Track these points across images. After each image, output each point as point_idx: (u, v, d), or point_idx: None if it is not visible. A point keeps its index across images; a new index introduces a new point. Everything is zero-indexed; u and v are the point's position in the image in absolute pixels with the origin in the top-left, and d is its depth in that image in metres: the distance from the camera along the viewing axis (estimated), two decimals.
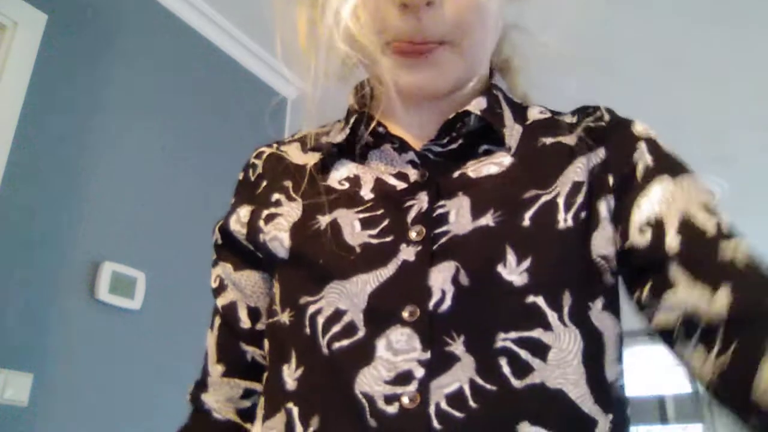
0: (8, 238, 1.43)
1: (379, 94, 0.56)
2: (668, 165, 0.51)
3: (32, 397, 1.39)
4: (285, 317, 0.51)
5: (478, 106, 0.53)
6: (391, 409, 0.43)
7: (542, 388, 0.43)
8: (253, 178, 0.62)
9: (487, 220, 0.47)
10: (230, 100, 2.15)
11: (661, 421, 4.13)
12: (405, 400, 0.43)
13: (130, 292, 1.64)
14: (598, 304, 0.47)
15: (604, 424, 0.44)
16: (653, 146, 0.52)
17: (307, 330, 0.48)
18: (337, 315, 0.47)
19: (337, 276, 0.48)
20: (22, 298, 1.43)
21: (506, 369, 0.43)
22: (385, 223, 0.50)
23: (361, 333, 0.46)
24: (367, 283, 0.47)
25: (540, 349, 0.44)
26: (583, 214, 0.48)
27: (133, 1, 1.88)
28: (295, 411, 0.47)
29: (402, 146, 0.54)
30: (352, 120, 0.55)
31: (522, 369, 0.43)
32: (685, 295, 0.44)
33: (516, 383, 0.43)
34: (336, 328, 0.47)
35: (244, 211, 0.58)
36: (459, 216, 0.48)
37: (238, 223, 0.58)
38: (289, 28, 0.59)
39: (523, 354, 0.44)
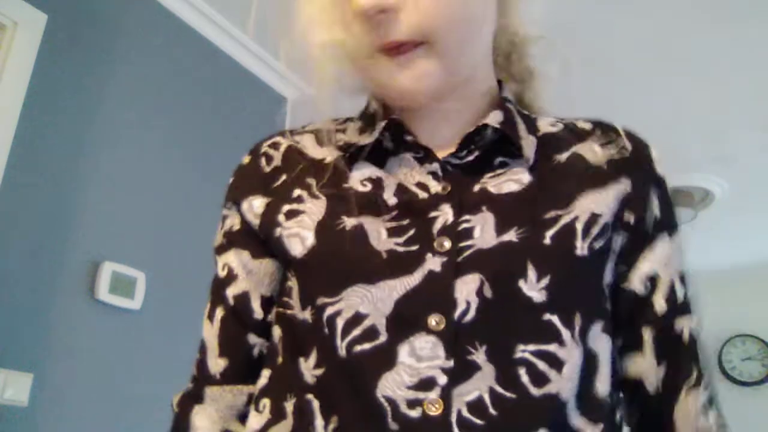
0: (8, 238, 1.43)
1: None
2: (669, 220, 0.58)
3: (32, 397, 1.39)
4: (307, 315, 0.52)
5: (495, 119, 0.54)
6: (414, 413, 0.44)
7: (557, 398, 0.46)
8: (268, 169, 0.60)
9: (511, 236, 0.49)
10: (230, 100, 2.15)
11: None
12: (428, 405, 0.44)
13: (130, 292, 1.64)
14: (598, 326, 0.51)
15: None
16: (663, 192, 0.59)
17: (326, 330, 0.49)
18: (358, 318, 0.48)
19: (362, 280, 0.49)
20: (22, 298, 1.43)
21: (525, 378, 0.45)
22: (412, 232, 0.51)
23: (383, 338, 0.47)
24: (393, 289, 0.48)
25: (556, 362, 0.46)
26: (598, 245, 0.51)
27: (133, 1, 1.88)
28: (316, 404, 0.48)
29: (426, 156, 0.55)
30: (381, 125, 0.56)
31: (540, 379, 0.46)
32: (644, 366, 0.54)
33: (534, 392, 0.45)
34: (356, 332, 0.48)
35: (258, 202, 0.58)
36: (483, 231, 0.50)
37: (250, 213, 0.58)
38: (292, 31, 0.61)
39: (541, 365, 0.46)
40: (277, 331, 0.55)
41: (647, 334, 0.54)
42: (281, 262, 0.56)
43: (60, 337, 1.48)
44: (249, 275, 0.57)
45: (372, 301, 0.48)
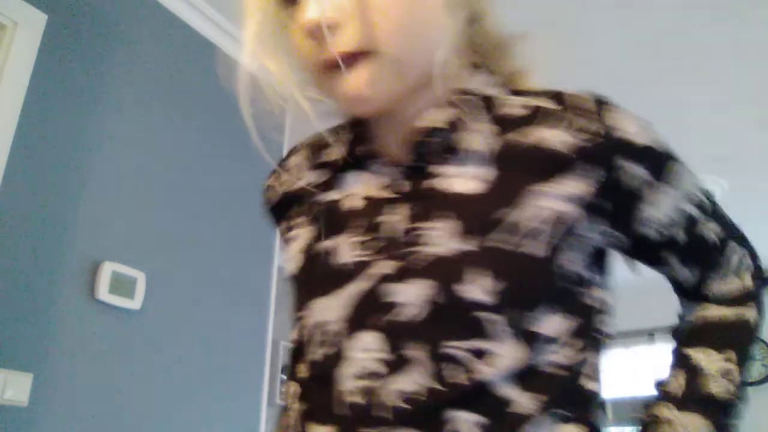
0: (8, 238, 1.43)
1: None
2: (655, 168, 0.57)
3: (32, 397, 1.39)
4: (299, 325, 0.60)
5: (435, 118, 0.57)
6: (362, 401, 0.51)
7: (487, 384, 0.50)
8: (278, 195, 0.69)
9: (462, 242, 0.51)
10: (230, 100, 2.14)
11: None
12: (373, 393, 0.51)
13: (130, 292, 1.64)
14: (556, 314, 0.53)
15: (530, 403, 0.51)
16: (636, 150, 0.56)
17: (296, 338, 0.60)
18: (320, 325, 0.55)
19: (320, 293, 0.56)
20: (21, 298, 1.43)
21: (452, 371, 0.50)
22: (369, 238, 0.56)
23: (341, 338, 0.54)
24: (350, 296, 0.54)
25: (491, 357, 0.50)
26: (555, 239, 0.52)
27: (133, 1, 1.88)
28: (295, 416, 0.57)
29: (383, 163, 0.59)
30: (346, 139, 0.62)
31: (467, 371, 0.50)
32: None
33: (461, 381, 0.50)
34: (319, 336, 0.55)
35: (284, 228, 0.67)
36: (436, 236, 0.53)
37: (281, 236, 0.69)
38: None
39: (470, 359, 0.50)
40: None
41: (666, 256, 0.64)
42: None
43: (60, 337, 1.48)
44: None
45: (328, 309, 0.55)
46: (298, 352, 0.61)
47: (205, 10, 2.04)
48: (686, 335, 0.65)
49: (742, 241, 0.71)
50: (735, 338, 0.63)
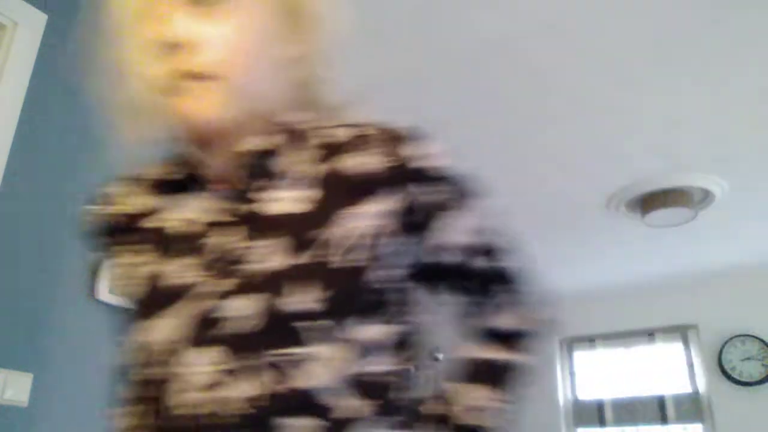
0: (8, 238, 1.43)
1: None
2: (445, 196, 0.63)
3: (32, 397, 1.39)
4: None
5: (257, 143, 0.62)
6: (191, 412, 0.53)
7: (308, 391, 0.53)
8: (105, 227, 0.69)
9: (283, 258, 0.56)
10: None
11: (661, 421, 4.13)
12: (213, 404, 0.53)
13: None
14: (372, 320, 0.58)
15: (353, 408, 0.54)
16: (429, 178, 0.62)
17: (140, 359, 0.58)
18: (159, 344, 0.57)
19: (161, 313, 0.58)
20: (22, 298, 1.43)
21: (277, 378, 0.53)
22: (201, 260, 0.59)
23: (176, 356, 0.55)
24: (185, 315, 0.57)
25: (304, 362, 0.54)
26: (364, 254, 0.58)
27: None
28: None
29: (214, 188, 0.62)
30: (179, 165, 0.65)
31: (290, 378, 0.53)
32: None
33: (285, 388, 0.53)
34: (159, 357, 0.56)
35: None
36: (260, 254, 0.57)
37: None
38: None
39: (291, 366, 0.53)
40: None
41: (452, 284, 0.69)
42: None
43: (60, 337, 1.48)
44: None
45: (168, 328, 0.57)
46: (129, 372, 0.60)
47: None
48: (464, 372, 0.72)
49: (524, 281, 0.74)
50: (503, 378, 0.71)
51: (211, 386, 0.53)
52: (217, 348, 0.54)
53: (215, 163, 0.63)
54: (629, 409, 4.23)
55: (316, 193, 0.60)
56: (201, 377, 0.54)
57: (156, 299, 0.59)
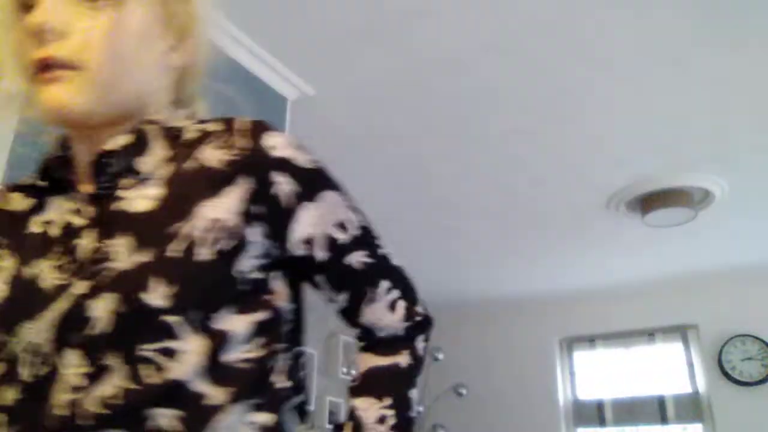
0: None
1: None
2: (307, 189, 0.65)
3: None
4: None
5: (116, 142, 0.64)
6: (68, 413, 0.54)
7: (177, 381, 0.56)
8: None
9: (140, 253, 0.57)
10: (230, 100, 2.14)
11: (661, 421, 4.13)
12: (77, 405, 0.54)
13: None
14: (230, 311, 0.60)
15: (221, 395, 0.57)
16: (290, 169, 0.64)
17: (6, 363, 0.58)
18: (32, 347, 0.57)
19: (27, 317, 0.58)
20: None
21: (146, 371, 0.55)
22: (64, 262, 0.60)
23: (48, 358, 0.56)
24: (53, 318, 0.57)
25: (174, 354, 0.56)
26: (225, 245, 0.60)
27: None
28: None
29: (76, 189, 0.64)
30: (45, 165, 0.67)
31: (159, 370, 0.55)
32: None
33: (156, 380, 0.55)
34: (31, 359, 0.57)
35: None
36: (119, 252, 0.58)
37: None
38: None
39: (160, 359, 0.56)
40: None
41: (319, 279, 0.69)
42: None
43: None
44: None
45: (39, 331, 0.57)
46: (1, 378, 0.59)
47: None
48: (355, 386, 0.71)
49: (398, 275, 0.74)
50: (391, 385, 0.70)
51: (84, 386, 0.55)
52: (86, 348, 0.56)
53: (80, 165, 0.66)
54: (629, 409, 4.23)
55: (171, 190, 0.61)
56: (75, 378, 0.55)
57: (31, 302, 0.59)
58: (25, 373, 0.57)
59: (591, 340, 4.52)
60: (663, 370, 4.24)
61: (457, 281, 4.33)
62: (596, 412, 4.33)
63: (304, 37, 2.14)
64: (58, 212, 0.64)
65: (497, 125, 2.59)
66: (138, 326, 0.56)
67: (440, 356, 4.48)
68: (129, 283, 0.56)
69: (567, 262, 3.94)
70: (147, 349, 0.55)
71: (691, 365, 4.18)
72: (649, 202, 3.10)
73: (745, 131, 2.59)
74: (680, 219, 3.17)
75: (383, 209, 3.14)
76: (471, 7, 1.97)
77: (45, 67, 0.59)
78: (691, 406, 4.08)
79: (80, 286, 0.58)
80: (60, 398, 0.55)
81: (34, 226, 0.65)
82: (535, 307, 4.65)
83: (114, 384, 0.55)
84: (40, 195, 0.67)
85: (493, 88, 2.36)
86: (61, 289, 0.58)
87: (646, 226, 3.27)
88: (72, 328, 0.56)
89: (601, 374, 4.41)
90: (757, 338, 3.94)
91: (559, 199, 3.20)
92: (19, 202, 0.69)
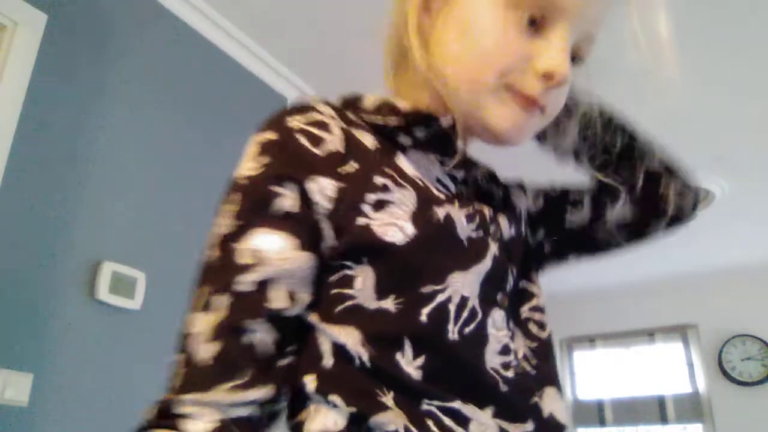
0: (8, 238, 1.43)
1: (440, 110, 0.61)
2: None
3: (32, 397, 1.39)
4: (388, 304, 0.52)
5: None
6: (510, 374, 0.54)
7: (551, 337, 0.63)
8: (320, 151, 0.54)
9: (513, 232, 0.64)
10: (230, 100, 2.15)
11: (661, 421, 4.13)
12: (514, 364, 0.56)
13: (130, 292, 1.64)
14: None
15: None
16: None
17: (424, 318, 0.51)
18: (464, 302, 0.53)
19: (458, 267, 0.54)
20: (22, 298, 1.43)
21: (535, 329, 0.61)
22: (478, 220, 0.58)
23: (479, 317, 0.54)
24: (478, 273, 0.55)
25: (544, 312, 0.64)
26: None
27: (132, 0, 1.88)
28: (436, 408, 0.50)
29: (463, 162, 0.62)
30: (439, 124, 0.60)
31: (541, 326, 0.62)
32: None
33: (543, 335, 0.61)
34: (465, 314, 0.53)
35: (329, 185, 0.53)
36: (503, 225, 0.62)
37: (320, 194, 0.52)
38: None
39: (538, 316, 0.63)
40: (333, 327, 0.53)
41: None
42: (350, 253, 0.53)
43: (60, 337, 1.48)
44: (284, 262, 0.51)
45: (468, 285, 0.54)
46: (423, 332, 0.52)
47: (205, 11, 2.04)
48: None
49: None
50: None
51: (513, 348, 0.57)
52: (505, 311, 0.58)
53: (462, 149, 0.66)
54: (629, 409, 4.23)
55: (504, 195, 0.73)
56: (505, 339, 0.56)
57: (458, 251, 0.55)
58: (453, 329, 0.53)
59: (591, 340, 4.52)
60: (663, 370, 4.24)
61: None
62: (596, 412, 4.32)
63: (304, 37, 2.14)
64: (434, 169, 0.61)
65: None
66: (522, 292, 0.64)
67: None
68: (518, 252, 0.64)
69: None
70: (529, 308, 0.62)
71: (691, 365, 4.18)
72: None
73: (745, 131, 2.59)
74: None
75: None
76: None
77: (530, 102, 0.56)
78: (691, 406, 4.08)
79: (494, 247, 0.59)
80: (498, 360, 0.55)
81: (411, 171, 0.59)
82: None
83: (521, 346, 0.59)
84: (387, 141, 0.61)
85: None
86: (482, 244, 0.58)
87: None
88: (496, 289, 0.58)
89: (601, 374, 4.41)
90: (757, 338, 3.93)
91: None
92: (364, 135, 0.60)
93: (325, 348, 0.53)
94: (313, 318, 0.53)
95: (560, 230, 0.72)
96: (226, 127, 2.07)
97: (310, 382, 0.52)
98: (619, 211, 0.69)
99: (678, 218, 0.74)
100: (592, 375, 4.45)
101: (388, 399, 0.50)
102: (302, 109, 0.57)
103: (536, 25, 0.56)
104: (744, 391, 3.90)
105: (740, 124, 2.54)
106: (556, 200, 0.72)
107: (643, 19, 0.64)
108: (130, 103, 1.79)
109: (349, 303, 0.52)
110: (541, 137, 0.70)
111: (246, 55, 2.20)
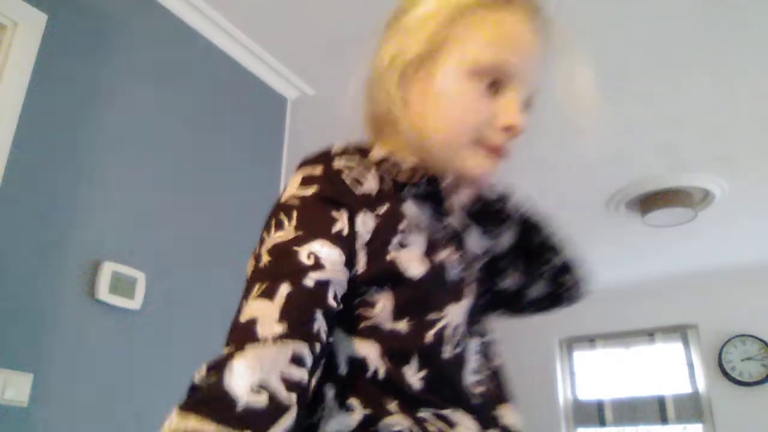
0: (8, 238, 1.43)
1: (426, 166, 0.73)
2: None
3: (32, 397, 1.39)
4: (402, 325, 0.63)
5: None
6: (479, 390, 0.66)
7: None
8: (361, 190, 0.65)
9: (480, 275, 0.76)
10: (230, 100, 2.15)
11: (661, 421, 4.13)
12: (482, 383, 0.67)
13: (130, 292, 1.64)
14: None
15: None
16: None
17: (430, 339, 0.63)
18: (457, 329, 0.65)
19: (452, 300, 0.66)
20: (22, 298, 1.43)
21: (492, 357, 0.72)
22: (464, 263, 0.70)
23: (463, 342, 0.66)
24: (465, 307, 0.67)
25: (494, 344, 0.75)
26: None
27: (133, 1, 1.88)
28: (431, 414, 0.61)
29: (447, 208, 0.74)
30: (437, 182, 0.72)
31: (496, 355, 0.73)
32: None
33: (498, 362, 0.72)
34: (456, 339, 0.65)
35: (370, 220, 0.64)
36: (476, 267, 0.75)
37: (364, 227, 0.63)
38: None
39: (492, 347, 0.73)
40: (354, 341, 0.62)
41: None
42: (375, 280, 0.63)
43: (60, 337, 1.48)
44: (335, 273, 0.60)
45: (459, 316, 0.66)
46: (428, 350, 0.63)
47: (205, 11, 2.04)
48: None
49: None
50: None
51: (482, 370, 0.68)
52: (479, 339, 0.70)
53: (452, 196, 0.78)
54: (629, 409, 4.23)
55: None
56: (478, 361, 0.68)
57: (453, 286, 0.66)
58: (446, 350, 0.65)
59: (591, 340, 4.52)
60: (663, 370, 4.24)
61: None
62: (596, 412, 4.32)
63: (304, 37, 2.14)
64: (427, 217, 0.72)
65: None
66: (485, 320, 0.75)
67: None
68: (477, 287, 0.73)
69: None
70: (488, 338, 0.73)
71: (691, 365, 4.18)
72: (649, 202, 3.10)
73: (745, 131, 2.59)
74: (680, 219, 3.16)
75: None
76: None
77: (496, 151, 0.71)
78: (691, 406, 4.08)
79: (473, 285, 0.70)
80: (473, 378, 0.66)
81: (414, 217, 0.70)
82: None
83: (484, 367, 0.69)
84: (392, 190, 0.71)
85: None
86: (466, 281, 0.69)
87: (646, 226, 3.27)
88: (474, 320, 0.69)
89: (601, 374, 4.41)
90: (757, 338, 3.93)
91: (559, 199, 3.20)
92: (377, 183, 0.72)
93: (342, 358, 0.62)
94: (338, 330, 0.62)
95: (494, 287, 0.85)
96: (226, 126, 2.07)
97: (328, 387, 0.61)
98: (531, 292, 0.87)
99: (570, 302, 0.91)
100: (592, 375, 4.45)
101: (393, 406, 0.60)
102: (342, 152, 0.68)
103: (495, 87, 0.69)
104: (744, 391, 3.90)
105: (740, 124, 2.54)
106: (495, 262, 0.83)
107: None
108: (130, 102, 1.79)
109: (370, 322, 0.63)
110: (484, 237, 0.82)
111: (246, 55, 2.20)
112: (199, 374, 0.52)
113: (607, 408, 4.30)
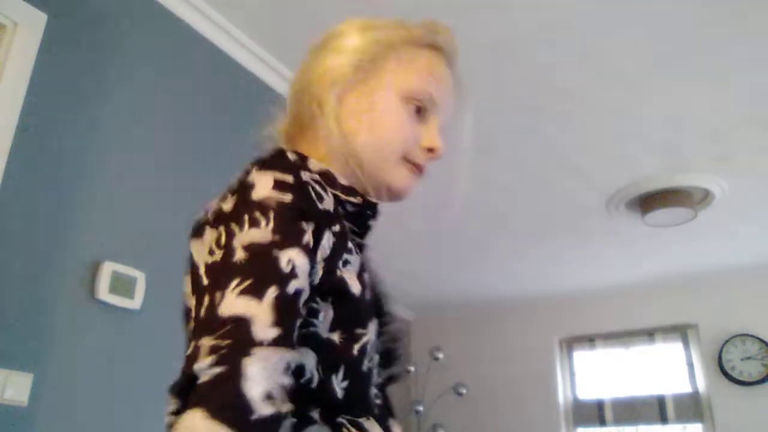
0: (8, 238, 1.43)
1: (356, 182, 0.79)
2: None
3: (32, 397, 1.39)
4: (335, 337, 0.66)
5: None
6: (377, 402, 0.72)
7: None
8: (322, 207, 0.68)
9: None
10: (230, 100, 2.15)
11: (661, 420, 4.13)
12: (379, 397, 0.74)
13: (130, 292, 1.64)
14: None
15: None
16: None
17: (355, 352, 0.67)
18: (374, 345, 0.71)
19: (371, 319, 0.71)
20: (22, 298, 1.43)
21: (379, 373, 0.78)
22: (374, 278, 0.77)
23: (375, 358, 0.71)
24: (376, 324, 0.72)
25: None
26: None
27: (132, 1, 1.88)
28: (347, 421, 0.66)
29: (367, 230, 0.80)
30: (362, 200, 0.78)
31: (378, 373, 0.77)
32: None
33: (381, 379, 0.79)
34: (371, 354, 0.70)
35: (330, 236, 0.67)
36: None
37: (326, 242, 0.67)
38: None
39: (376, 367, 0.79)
40: (306, 352, 0.65)
41: None
42: (321, 293, 0.66)
43: (60, 337, 1.48)
44: (305, 283, 0.62)
45: (374, 333, 0.71)
46: (352, 362, 0.67)
47: (205, 10, 2.04)
48: None
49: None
50: None
51: (380, 383, 0.76)
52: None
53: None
54: (629, 409, 4.23)
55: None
56: (376, 378, 0.74)
57: (373, 305, 0.73)
58: (365, 364, 0.70)
59: (591, 340, 4.52)
60: (663, 369, 4.24)
61: (458, 281, 4.33)
62: (596, 412, 4.32)
63: (304, 37, 2.14)
64: (356, 236, 0.79)
65: (497, 125, 2.58)
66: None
67: (440, 356, 4.48)
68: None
69: (567, 262, 3.94)
70: None
71: (690, 365, 4.18)
72: (649, 202, 3.10)
73: (745, 131, 2.59)
74: (680, 219, 3.16)
75: (383, 209, 3.14)
76: (472, 8, 1.97)
77: (419, 168, 0.81)
78: (691, 406, 4.08)
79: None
80: (374, 391, 0.72)
81: (359, 239, 0.79)
82: (535, 307, 4.64)
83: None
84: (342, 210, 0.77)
85: (492, 88, 2.36)
86: (377, 301, 0.77)
87: (646, 226, 3.27)
88: (380, 337, 0.75)
89: (601, 374, 4.41)
90: (756, 338, 3.93)
91: (559, 199, 3.20)
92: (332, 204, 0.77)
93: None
94: None
95: None
96: (226, 126, 2.07)
97: None
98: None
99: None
100: (592, 375, 4.45)
101: (315, 414, 0.64)
102: (300, 163, 0.74)
103: (420, 113, 0.80)
104: (744, 390, 3.90)
105: (740, 124, 2.54)
106: None
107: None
108: (130, 102, 1.79)
109: (310, 329, 0.65)
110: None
111: (246, 55, 2.20)
112: (200, 365, 0.53)
113: (607, 408, 4.30)
